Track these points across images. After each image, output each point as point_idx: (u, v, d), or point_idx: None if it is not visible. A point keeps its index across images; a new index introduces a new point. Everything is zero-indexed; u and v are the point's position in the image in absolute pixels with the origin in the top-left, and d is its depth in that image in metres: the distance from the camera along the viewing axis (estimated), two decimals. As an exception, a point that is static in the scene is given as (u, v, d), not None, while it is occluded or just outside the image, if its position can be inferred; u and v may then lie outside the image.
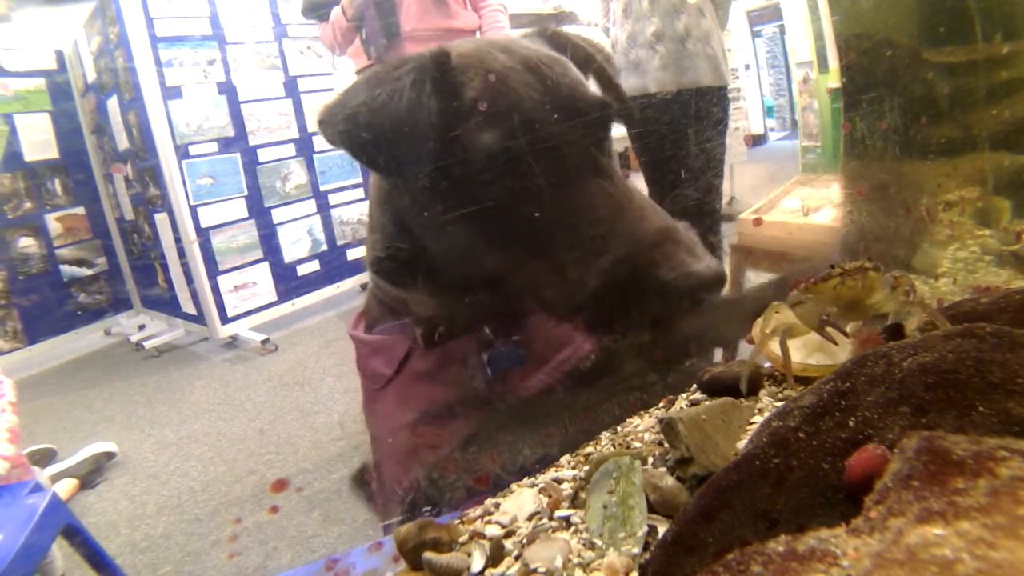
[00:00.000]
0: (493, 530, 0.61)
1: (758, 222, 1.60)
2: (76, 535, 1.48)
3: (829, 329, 0.66)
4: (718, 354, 0.99)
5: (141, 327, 4.12)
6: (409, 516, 0.87)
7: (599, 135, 0.79)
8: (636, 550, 0.51)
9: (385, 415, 1.02)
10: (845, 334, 0.64)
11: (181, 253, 3.54)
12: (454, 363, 0.92)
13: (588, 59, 0.90)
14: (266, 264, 3.76)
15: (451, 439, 0.90)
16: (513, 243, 0.76)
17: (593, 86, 0.91)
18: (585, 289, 0.69)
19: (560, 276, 0.72)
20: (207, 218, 3.55)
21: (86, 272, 4.21)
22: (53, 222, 4.05)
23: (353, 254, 4.16)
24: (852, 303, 0.68)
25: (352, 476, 1.40)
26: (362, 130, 0.78)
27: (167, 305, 3.91)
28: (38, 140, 3.97)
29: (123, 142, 3.72)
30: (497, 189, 0.74)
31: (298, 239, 3.92)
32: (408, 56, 0.79)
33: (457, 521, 0.66)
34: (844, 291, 0.67)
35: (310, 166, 4.01)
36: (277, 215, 3.83)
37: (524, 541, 0.58)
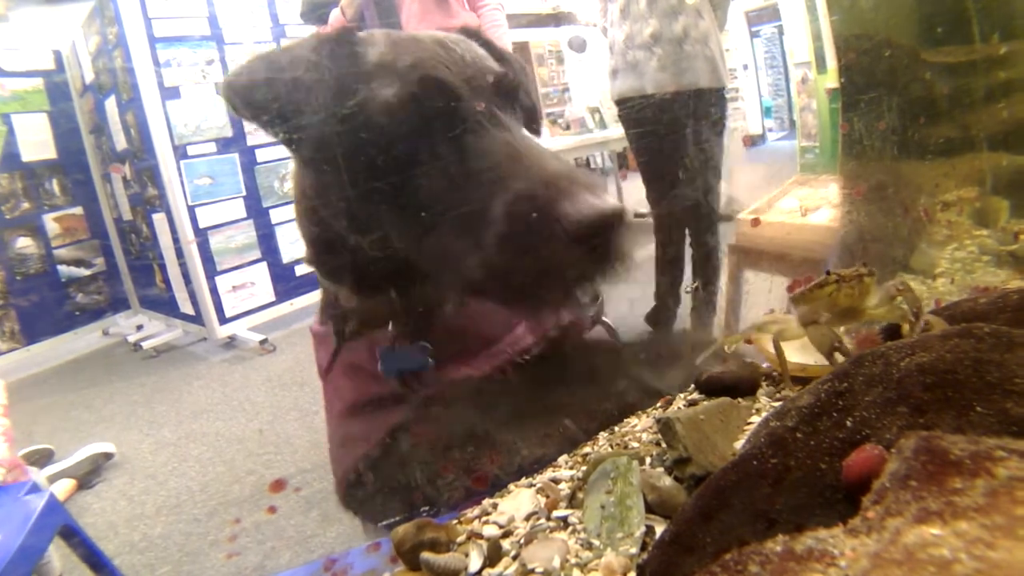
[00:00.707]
0: (491, 530, 0.61)
1: (756, 222, 1.60)
2: (73, 536, 1.48)
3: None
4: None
5: (139, 327, 4.11)
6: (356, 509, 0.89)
7: (500, 100, 0.79)
8: (634, 550, 0.51)
9: (325, 405, 1.04)
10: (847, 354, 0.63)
11: (179, 253, 3.54)
12: (373, 357, 0.92)
13: (504, 59, 0.90)
14: (264, 264, 3.75)
15: (379, 431, 0.90)
16: (419, 213, 0.75)
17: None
18: (494, 233, 0.67)
19: (469, 231, 0.71)
20: (205, 218, 3.54)
21: (84, 272, 4.21)
22: (51, 222, 4.04)
23: (352, 254, 4.15)
24: (848, 310, 0.68)
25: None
26: (262, 95, 0.78)
27: (165, 305, 3.91)
28: (36, 140, 3.97)
29: (121, 142, 3.72)
30: (395, 151, 0.74)
31: (296, 239, 3.92)
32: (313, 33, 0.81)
33: (455, 521, 0.66)
34: (840, 298, 0.67)
35: (309, 166, 4.00)
36: (275, 215, 3.83)
37: (522, 541, 0.58)
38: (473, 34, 0.92)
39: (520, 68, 0.94)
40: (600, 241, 0.65)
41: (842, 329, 0.69)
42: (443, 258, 0.75)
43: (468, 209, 0.70)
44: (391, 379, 0.90)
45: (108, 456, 2.45)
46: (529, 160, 0.69)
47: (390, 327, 0.90)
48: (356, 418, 0.94)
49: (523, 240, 0.65)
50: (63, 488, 2.27)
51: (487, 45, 0.90)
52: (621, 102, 2.19)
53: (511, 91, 0.81)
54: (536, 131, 0.95)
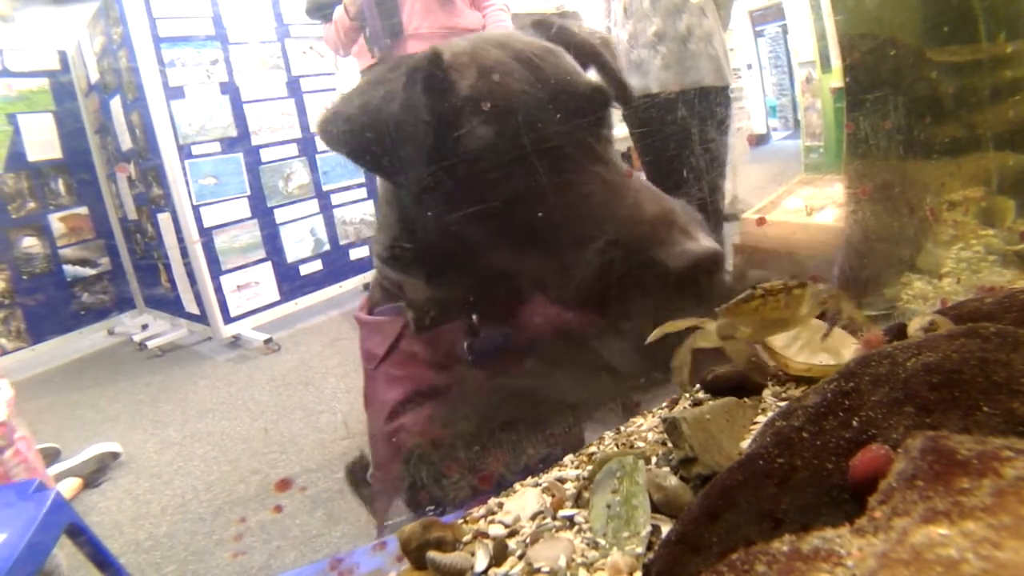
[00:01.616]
0: (497, 529, 0.61)
1: (761, 222, 1.60)
2: (80, 534, 1.48)
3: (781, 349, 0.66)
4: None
5: (144, 327, 4.12)
6: (411, 511, 0.87)
7: (594, 123, 0.78)
8: (640, 550, 0.51)
9: (375, 395, 1.02)
10: (777, 373, 0.63)
11: (184, 253, 3.55)
12: (442, 347, 0.92)
13: (589, 51, 0.89)
14: (269, 264, 3.76)
15: (434, 424, 0.89)
16: (512, 236, 0.75)
17: (594, 76, 0.92)
18: (582, 274, 0.68)
19: (559, 264, 0.71)
20: (210, 218, 3.55)
21: (89, 272, 4.22)
22: (56, 222, 4.06)
23: (356, 254, 4.16)
24: (776, 322, 0.66)
25: (346, 467, 1.40)
26: (360, 134, 0.79)
27: (170, 305, 3.92)
28: (42, 140, 3.98)
29: (126, 142, 3.73)
30: (495, 184, 0.74)
31: (301, 239, 3.93)
32: (403, 57, 0.79)
33: (461, 521, 0.66)
34: (766, 311, 0.65)
35: (313, 166, 4.02)
36: (280, 215, 3.83)
37: (528, 540, 0.58)
38: (547, 27, 0.90)
39: (609, 54, 0.92)
40: (696, 284, 0.65)
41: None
42: (538, 277, 0.75)
43: (562, 247, 0.71)
44: (473, 363, 0.90)
45: (115, 456, 2.45)
46: (624, 200, 0.69)
47: (473, 317, 0.90)
48: (413, 409, 0.93)
49: (618, 284, 0.66)
50: (69, 487, 2.27)
51: (568, 40, 0.88)
52: (625, 101, 2.19)
53: (604, 101, 0.80)
54: (627, 101, 0.95)
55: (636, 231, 0.66)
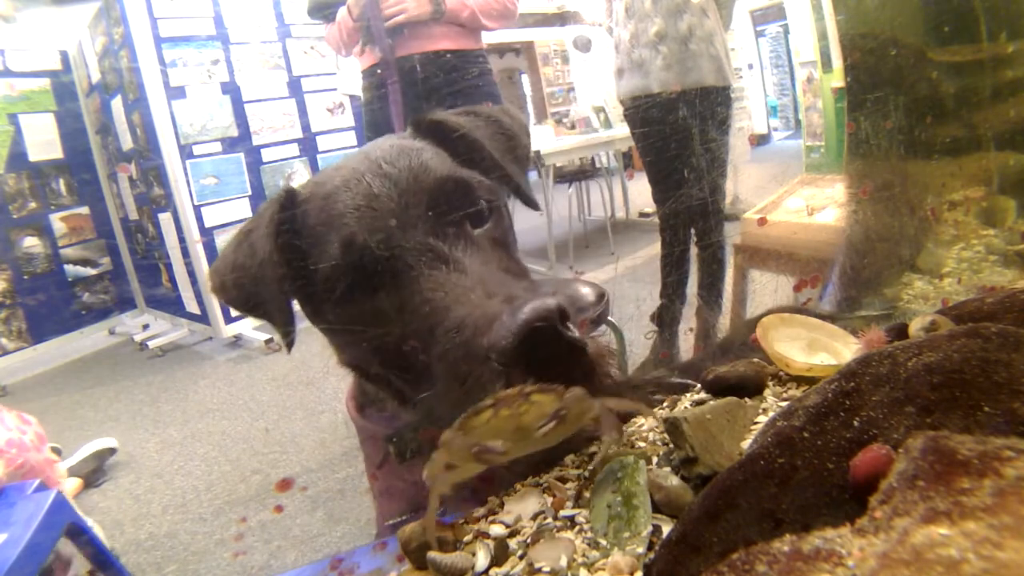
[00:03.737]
0: (497, 529, 0.61)
1: (763, 222, 1.60)
2: (81, 534, 1.48)
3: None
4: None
5: (145, 327, 4.13)
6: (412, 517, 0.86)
7: (451, 219, 0.76)
8: (641, 550, 0.51)
9: (377, 497, 1.01)
10: (502, 460, 0.57)
11: (185, 253, 3.55)
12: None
13: (466, 145, 0.87)
14: (270, 264, 3.76)
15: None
16: (382, 352, 0.75)
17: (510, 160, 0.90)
18: (438, 380, 0.67)
19: (416, 372, 0.71)
20: (211, 218, 3.56)
21: (90, 272, 4.23)
22: (57, 222, 4.06)
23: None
24: (519, 431, 0.57)
25: None
26: (239, 290, 0.82)
27: (171, 305, 3.92)
28: (43, 140, 3.99)
29: (127, 142, 3.73)
30: (348, 303, 0.74)
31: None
32: (268, 202, 0.81)
33: (461, 521, 0.66)
34: (499, 422, 0.56)
35: (314, 166, 4.02)
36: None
37: (528, 540, 0.58)
38: (422, 126, 0.89)
39: (500, 144, 0.89)
40: (545, 356, 0.60)
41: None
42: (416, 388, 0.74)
43: (407, 347, 0.70)
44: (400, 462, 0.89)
45: (111, 451, 2.45)
46: (459, 296, 0.66)
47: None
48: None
49: (463, 379, 0.63)
50: (70, 487, 2.27)
51: (444, 136, 0.87)
52: (626, 101, 2.19)
53: (460, 191, 0.78)
54: (530, 203, 0.92)
55: (468, 325, 0.64)
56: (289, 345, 0.82)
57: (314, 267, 0.74)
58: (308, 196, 0.80)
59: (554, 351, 0.61)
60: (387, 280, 0.71)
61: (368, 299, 0.73)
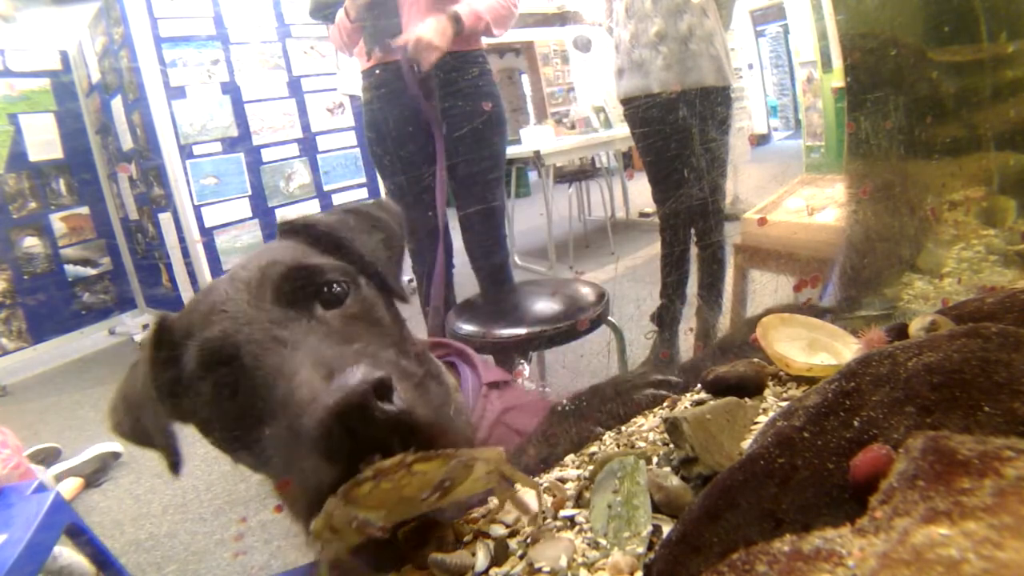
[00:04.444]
0: (497, 529, 0.61)
1: (763, 222, 1.60)
2: (80, 534, 1.49)
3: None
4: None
5: (145, 326, 4.11)
6: None
7: (291, 308, 0.76)
8: (641, 550, 0.51)
9: None
10: (382, 534, 0.54)
11: (185, 253, 3.55)
12: None
13: (332, 240, 0.87)
14: (270, 264, 3.76)
15: None
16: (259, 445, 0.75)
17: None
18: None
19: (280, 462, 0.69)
20: (211, 218, 3.56)
21: (90, 272, 4.23)
22: (58, 222, 4.06)
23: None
24: (402, 502, 0.55)
25: None
26: (129, 421, 0.84)
27: (171, 305, 3.92)
28: (43, 140, 3.99)
29: (127, 142, 3.73)
30: (221, 409, 0.75)
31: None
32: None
33: (461, 521, 0.66)
34: (380, 494, 0.54)
35: (314, 166, 4.02)
36: (281, 215, 3.84)
37: (528, 540, 0.58)
38: (289, 229, 0.90)
39: (355, 232, 0.90)
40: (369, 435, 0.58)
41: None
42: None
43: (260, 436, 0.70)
44: None
45: (116, 456, 2.46)
46: (292, 377, 0.65)
47: None
48: None
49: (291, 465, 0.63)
50: (70, 487, 2.28)
51: (311, 234, 0.88)
52: (626, 101, 2.19)
53: (308, 282, 0.78)
54: (398, 296, 0.90)
55: (296, 403, 0.61)
56: (173, 468, 0.83)
57: (184, 383, 0.75)
58: (177, 318, 0.82)
59: (377, 430, 0.58)
60: (239, 376, 0.71)
61: (231, 399, 0.73)
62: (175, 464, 0.83)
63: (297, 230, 0.90)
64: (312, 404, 0.58)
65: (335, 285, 0.80)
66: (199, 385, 0.74)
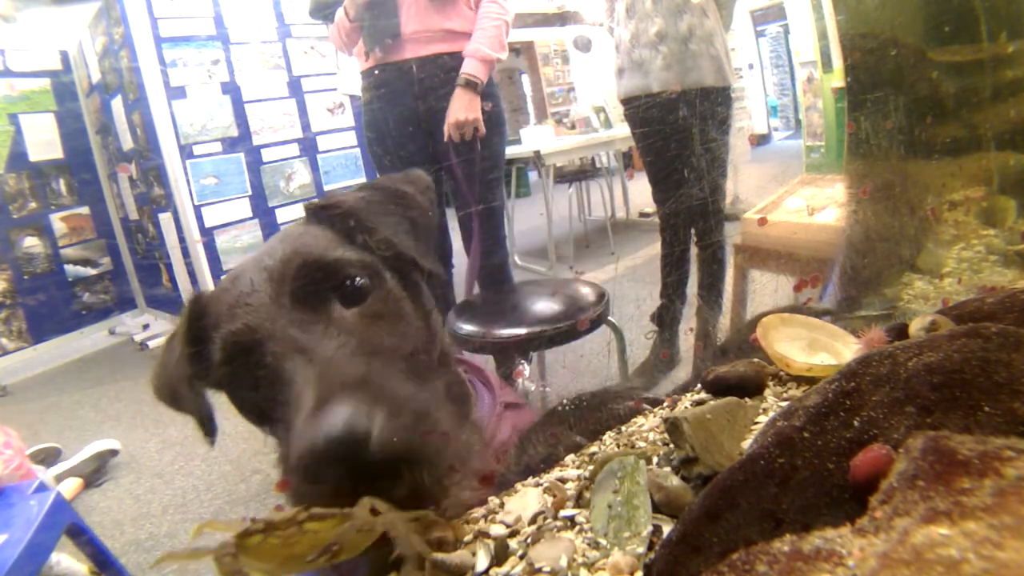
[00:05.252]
0: (498, 529, 0.61)
1: (763, 222, 1.60)
2: (80, 534, 1.49)
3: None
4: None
5: (145, 326, 4.13)
6: None
7: (307, 306, 0.76)
8: (641, 550, 0.51)
9: None
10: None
11: (185, 253, 3.55)
12: None
13: (353, 222, 0.86)
14: (270, 264, 3.77)
15: None
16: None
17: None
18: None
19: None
20: (211, 218, 3.56)
21: (91, 272, 4.23)
22: (58, 222, 4.06)
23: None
24: (289, 559, 0.54)
25: None
26: (168, 388, 0.85)
27: (171, 304, 3.93)
28: (43, 140, 3.99)
29: (127, 142, 3.73)
30: (244, 399, 0.78)
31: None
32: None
33: (462, 521, 0.66)
34: (269, 548, 0.53)
35: (314, 166, 4.02)
36: (281, 215, 3.84)
37: (529, 540, 0.58)
38: (314, 212, 0.90)
39: (380, 213, 0.89)
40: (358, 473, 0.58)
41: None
42: None
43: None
44: None
45: (114, 452, 2.46)
46: (299, 395, 0.66)
47: None
48: None
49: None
50: (70, 487, 2.28)
51: (334, 216, 0.87)
52: (627, 101, 2.19)
53: (325, 278, 0.78)
54: (432, 275, 0.90)
55: (304, 420, 0.62)
56: (208, 435, 0.86)
57: (212, 362, 0.76)
58: (210, 299, 0.82)
59: (352, 471, 0.58)
60: (258, 370, 0.72)
61: (251, 388, 0.75)
62: (209, 432, 0.86)
63: (321, 214, 0.89)
64: (297, 439, 0.59)
65: (356, 280, 0.79)
66: (223, 369, 0.75)
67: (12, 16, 3.77)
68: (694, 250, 2.15)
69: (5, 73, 3.86)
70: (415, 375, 0.73)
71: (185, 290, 3.69)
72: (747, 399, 0.68)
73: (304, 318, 0.74)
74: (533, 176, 4.34)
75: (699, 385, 0.79)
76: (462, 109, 1.97)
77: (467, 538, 0.61)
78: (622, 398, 0.86)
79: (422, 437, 0.63)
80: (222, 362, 0.75)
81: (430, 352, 0.83)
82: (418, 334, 0.82)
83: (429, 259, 0.89)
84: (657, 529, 0.53)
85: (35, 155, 3.95)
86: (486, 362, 1.96)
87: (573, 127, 4.76)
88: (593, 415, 0.83)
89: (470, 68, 1.97)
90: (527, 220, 4.25)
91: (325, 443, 0.57)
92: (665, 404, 0.80)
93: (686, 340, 2.10)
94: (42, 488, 1.51)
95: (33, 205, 3.96)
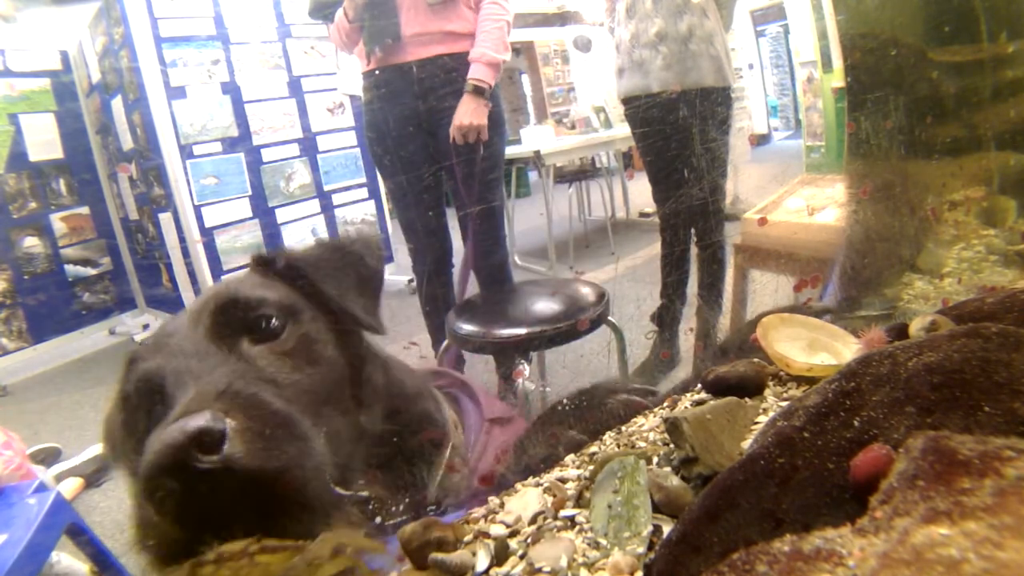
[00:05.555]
0: (498, 529, 0.61)
1: (763, 222, 1.60)
2: (81, 534, 1.48)
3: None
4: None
5: (145, 326, 4.13)
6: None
7: (218, 341, 0.75)
8: (641, 550, 0.51)
9: None
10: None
11: (185, 253, 3.55)
12: None
13: (294, 275, 0.87)
14: (270, 264, 3.77)
15: None
16: None
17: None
18: None
19: None
20: (211, 218, 3.55)
21: (91, 272, 4.23)
22: (58, 222, 4.06)
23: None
24: None
25: None
26: (108, 439, 0.84)
27: (171, 304, 3.92)
28: (43, 140, 3.99)
29: (127, 142, 3.73)
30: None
31: (302, 239, 3.93)
32: None
33: (462, 521, 0.66)
34: None
35: (314, 166, 4.02)
36: (281, 215, 3.84)
37: (529, 540, 0.58)
38: (261, 262, 0.90)
39: (322, 269, 0.89)
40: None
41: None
42: None
43: None
44: None
45: (115, 455, 2.45)
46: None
47: None
48: None
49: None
50: (70, 487, 2.28)
51: (280, 268, 0.88)
52: (627, 101, 2.19)
53: (241, 315, 0.78)
54: (372, 329, 0.90)
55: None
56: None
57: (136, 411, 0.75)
58: (143, 351, 0.81)
59: (202, 485, 0.54)
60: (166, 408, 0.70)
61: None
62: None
63: (265, 263, 0.90)
64: (143, 456, 0.56)
65: (271, 320, 0.79)
66: (141, 416, 0.73)
67: (12, 16, 3.76)
68: (694, 250, 2.15)
69: (5, 73, 3.86)
70: (328, 409, 0.73)
71: (185, 290, 3.68)
72: (747, 399, 0.68)
73: (210, 351, 0.73)
74: (533, 176, 4.34)
75: (699, 385, 0.79)
76: (469, 114, 1.98)
77: (467, 538, 0.61)
78: (615, 392, 0.86)
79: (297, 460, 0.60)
80: (139, 406, 0.73)
81: (356, 391, 0.82)
82: (335, 372, 0.81)
83: (373, 316, 0.89)
84: (657, 529, 0.53)
85: (35, 155, 3.94)
86: (485, 363, 1.97)
87: (573, 127, 4.76)
88: (592, 414, 0.83)
89: (478, 73, 1.97)
90: (527, 220, 4.24)
91: (170, 445, 0.53)
92: (665, 404, 0.80)
93: (686, 340, 2.10)
94: (42, 488, 1.51)
95: (33, 205, 3.96)
